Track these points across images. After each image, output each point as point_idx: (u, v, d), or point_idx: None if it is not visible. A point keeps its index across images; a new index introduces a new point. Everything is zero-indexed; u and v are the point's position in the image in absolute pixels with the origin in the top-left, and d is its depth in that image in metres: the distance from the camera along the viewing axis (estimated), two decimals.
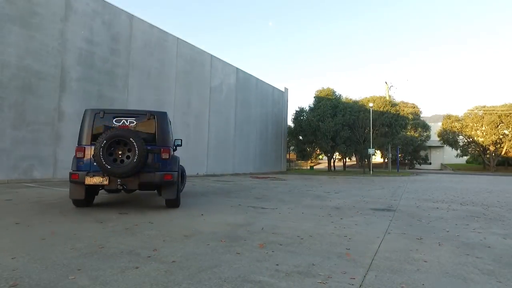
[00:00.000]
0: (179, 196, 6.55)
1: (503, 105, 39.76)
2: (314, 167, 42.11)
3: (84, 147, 5.91)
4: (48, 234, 4.06)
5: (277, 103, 29.66)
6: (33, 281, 2.55)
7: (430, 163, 51.72)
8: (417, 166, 48.95)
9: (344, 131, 28.80)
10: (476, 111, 41.61)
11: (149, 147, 5.90)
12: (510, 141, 38.51)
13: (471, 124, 41.37)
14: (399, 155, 42.45)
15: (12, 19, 11.38)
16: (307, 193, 10.32)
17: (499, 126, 38.82)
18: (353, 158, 44.20)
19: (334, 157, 35.17)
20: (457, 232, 4.94)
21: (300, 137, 32.34)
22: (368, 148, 27.76)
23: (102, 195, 7.64)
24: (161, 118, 6.28)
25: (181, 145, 7.83)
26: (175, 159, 6.53)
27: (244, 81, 24.49)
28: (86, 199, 6.12)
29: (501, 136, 39.17)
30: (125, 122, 6.12)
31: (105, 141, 5.52)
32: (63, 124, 12.89)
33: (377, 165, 42.87)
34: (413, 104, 50.51)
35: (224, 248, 3.64)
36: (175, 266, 2.99)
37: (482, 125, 40.35)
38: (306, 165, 42.89)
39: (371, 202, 8.46)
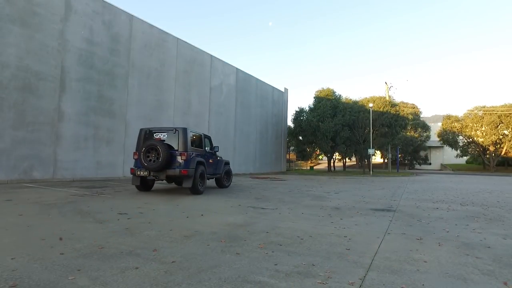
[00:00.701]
0: (197, 185, 8.88)
1: (503, 105, 39.77)
2: (314, 167, 42.11)
3: (138, 152, 8.82)
4: (47, 234, 4.05)
5: (277, 103, 29.67)
6: (33, 281, 2.54)
7: (430, 164, 51.75)
8: (417, 166, 48.97)
9: (344, 131, 28.79)
10: (476, 111, 41.59)
11: (174, 151, 8.67)
12: (510, 141, 38.51)
13: (471, 125, 41.37)
14: (399, 156, 42.46)
15: (12, 19, 11.39)
16: (307, 194, 10.31)
17: (499, 127, 38.82)
18: (353, 159, 44.20)
19: (334, 157, 35.17)
20: (457, 232, 4.93)
21: (300, 138, 32.34)
22: (368, 149, 27.75)
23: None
24: (182, 131, 8.93)
25: (218, 151, 11.04)
26: (194, 159, 8.97)
27: (244, 81, 24.50)
28: (142, 185, 9.25)
29: (501, 136, 39.16)
30: (160, 136, 8.95)
31: (144, 148, 8.56)
32: (63, 124, 12.88)
33: (377, 166, 42.90)
34: (413, 104, 50.57)
35: (224, 249, 3.64)
36: (175, 267, 2.99)
37: (482, 125, 40.34)
38: (306, 165, 42.89)
39: (371, 202, 8.45)
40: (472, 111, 42.13)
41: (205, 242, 3.89)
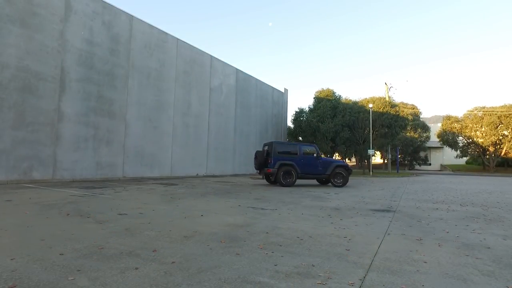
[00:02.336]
0: (279, 179, 12.86)
1: (502, 106, 39.80)
2: None
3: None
4: (47, 235, 4.05)
5: (277, 104, 29.67)
6: (32, 282, 2.54)
7: (430, 164, 51.77)
8: (417, 167, 48.98)
9: (344, 132, 28.79)
10: (475, 112, 41.62)
11: (267, 157, 13.20)
12: (509, 142, 38.53)
13: (470, 125, 41.39)
14: (399, 156, 42.46)
15: (12, 19, 11.39)
16: (306, 194, 10.32)
17: (498, 127, 38.84)
18: (353, 159, 44.21)
19: (334, 158, 35.17)
20: (457, 233, 4.94)
21: (300, 138, 32.31)
22: (368, 149, 27.77)
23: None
24: (273, 144, 13.30)
25: (320, 155, 14.22)
26: (277, 162, 12.94)
27: (244, 82, 24.51)
28: (267, 179, 14.29)
29: (500, 137, 39.18)
30: (265, 147, 13.63)
31: (255, 155, 13.84)
32: (62, 124, 12.88)
33: (377, 166, 42.89)
34: (413, 105, 50.57)
35: (223, 249, 3.64)
36: (175, 267, 2.99)
37: (481, 126, 40.36)
38: None
39: (371, 203, 8.45)
40: (472, 111, 42.16)
41: (205, 243, 3.89)
